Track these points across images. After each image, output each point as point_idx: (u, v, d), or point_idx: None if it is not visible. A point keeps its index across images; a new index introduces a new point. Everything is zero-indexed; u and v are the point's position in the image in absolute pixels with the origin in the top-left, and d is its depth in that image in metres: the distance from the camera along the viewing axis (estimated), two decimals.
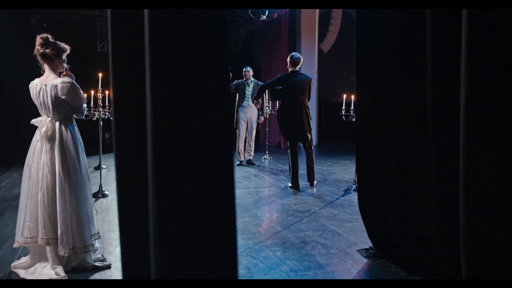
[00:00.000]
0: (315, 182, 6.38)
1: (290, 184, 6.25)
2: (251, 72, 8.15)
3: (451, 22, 2.63)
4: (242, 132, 8.12)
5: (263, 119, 8.43)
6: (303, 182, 6.35)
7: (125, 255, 1.49)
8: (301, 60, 6.19)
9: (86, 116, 4.91)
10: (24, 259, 3.22)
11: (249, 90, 8.11)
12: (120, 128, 1.46)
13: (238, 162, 8.22)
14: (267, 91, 7.68)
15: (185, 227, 1.35)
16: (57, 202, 3.08)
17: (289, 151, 6.22)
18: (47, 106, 3.16)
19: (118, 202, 1.50)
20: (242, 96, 8.10)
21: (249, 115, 8.16)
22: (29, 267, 3.14)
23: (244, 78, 8.14)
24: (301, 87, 6.05)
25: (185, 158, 1.34)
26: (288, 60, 6.18)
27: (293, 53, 6.23)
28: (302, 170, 6.38)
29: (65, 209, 3.08)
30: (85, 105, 3.31)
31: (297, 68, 6.13)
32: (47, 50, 3.16)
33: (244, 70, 8.16)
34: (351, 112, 6.17)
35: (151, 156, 1.33)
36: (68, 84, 3.12)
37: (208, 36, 1.34)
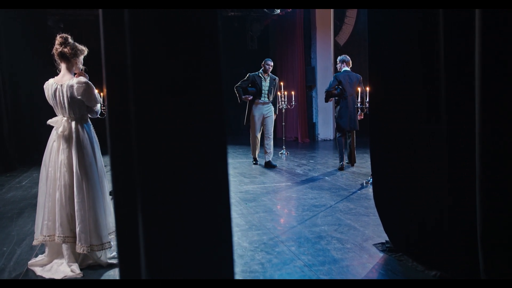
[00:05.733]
0: (355, 163, 7.52)
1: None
2: (271, 66, 7.46)
3: (464, 18, 2.58)
4: (256, 130, 7.57)
5: (275, 117, 7.76)
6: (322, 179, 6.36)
7: (122, 256, 1.49)
8: (350, 61, 7.22)
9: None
10: (41, 257, 3.27)
11: (265, 86, 7.40)
12: (112, 129, 1.46)
13: (254, 161, 7.87)
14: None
15: (171, 226, 1.34)
16: (75, 200, 3.12)
17: (337, 138, 7.30)
18: (63, 106, 3.20)
19: (114, 203, 1.50)
20: (259, 93, 7.39)
21: (264, 112, 7.52)
22: (46, 264, 3.19)
23: (261, 70, 7.43)
24: (353, 84, 6.99)
25: (169, 157, 1.33)
26: (338, 62, 7.24)
27: (343, 55, 7.27)
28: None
29: (82, 207, 3.12)
30: (99, 105, 3.34)
31: (348, 68, 7.11)
32: (65, 50, 3.20)
33: (264, 62, 7.42)
34: (367, 104, 6.10)
35: (137, 156, 1.32)
36: (83, 84, 3.15)
37: (196, 38, 1.32)
